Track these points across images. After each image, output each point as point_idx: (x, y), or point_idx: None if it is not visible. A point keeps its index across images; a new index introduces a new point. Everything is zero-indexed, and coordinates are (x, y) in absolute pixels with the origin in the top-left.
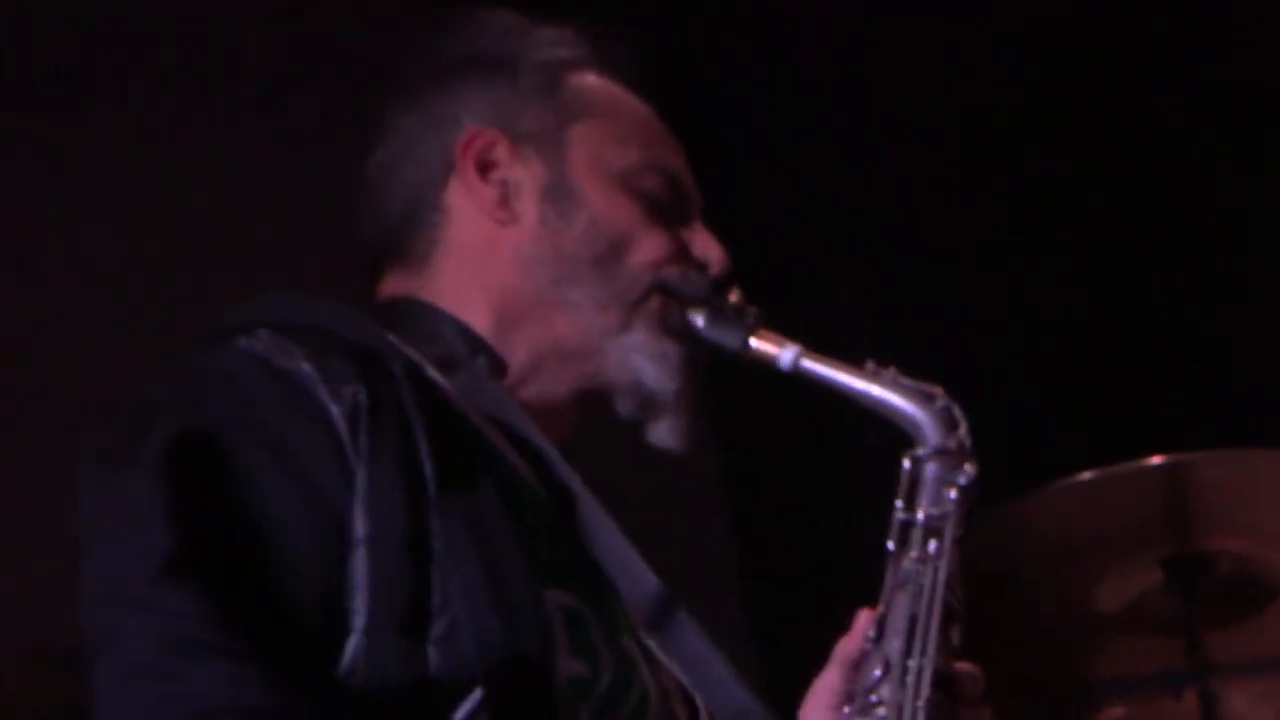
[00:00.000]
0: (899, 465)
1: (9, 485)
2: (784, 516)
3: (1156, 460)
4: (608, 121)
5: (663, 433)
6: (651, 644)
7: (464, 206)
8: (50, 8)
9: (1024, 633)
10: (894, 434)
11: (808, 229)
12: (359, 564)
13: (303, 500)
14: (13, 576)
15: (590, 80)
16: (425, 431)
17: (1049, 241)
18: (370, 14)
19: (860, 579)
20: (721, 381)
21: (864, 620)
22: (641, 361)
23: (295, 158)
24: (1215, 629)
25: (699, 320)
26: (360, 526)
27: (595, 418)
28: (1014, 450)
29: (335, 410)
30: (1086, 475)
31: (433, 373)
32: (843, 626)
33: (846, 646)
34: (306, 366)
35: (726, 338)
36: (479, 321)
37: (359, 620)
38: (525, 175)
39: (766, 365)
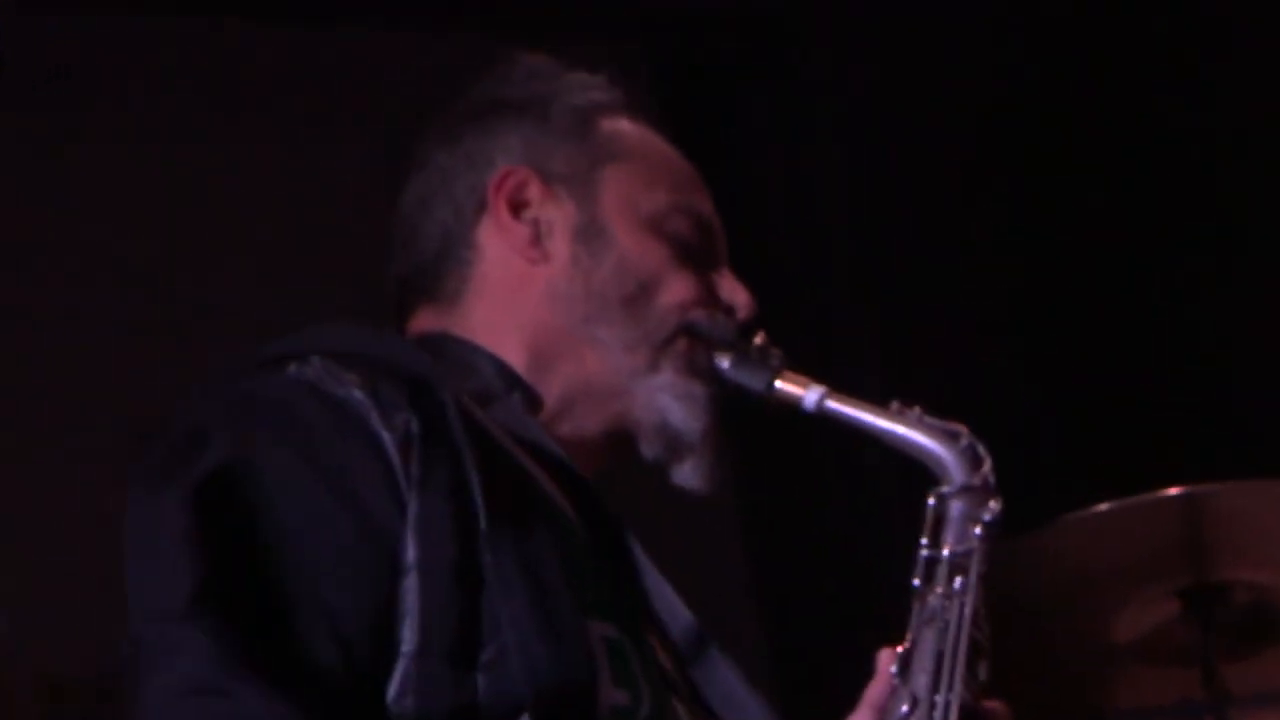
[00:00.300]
0: (919, 501)
1: (25, 522)
2: (803, 554)
3: (1173, 491)
4: (638, 165)
5: (688, 474)
6: (689, 678)
7: (496, 244)
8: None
9: (1042, 663)
10: (914, 471)
11: (816, 251)
12: (409, 590)
13: (354, 526)
14: (29, 609)
15: (622, 125)
16: (475, 462)
17: (1070, 273)
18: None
19: (880, 616)
20: (741, 419)
21: (886, 660)
22: (668, 401)
23: (295, 159)
24: (1232, 660)
25: (725, 363)
26: (411, 553)
27: (621, 462)
28: (1031, 482)
29: (387, 437)
30: (1103, 506)
31: (474, 407)
32: (862, 662)
33: (875, 690)
34: (358, 394)
35: (752, 380)
36: (512, 357)
37: (408, 646)
38: (557, 214)
39: (791, 406)
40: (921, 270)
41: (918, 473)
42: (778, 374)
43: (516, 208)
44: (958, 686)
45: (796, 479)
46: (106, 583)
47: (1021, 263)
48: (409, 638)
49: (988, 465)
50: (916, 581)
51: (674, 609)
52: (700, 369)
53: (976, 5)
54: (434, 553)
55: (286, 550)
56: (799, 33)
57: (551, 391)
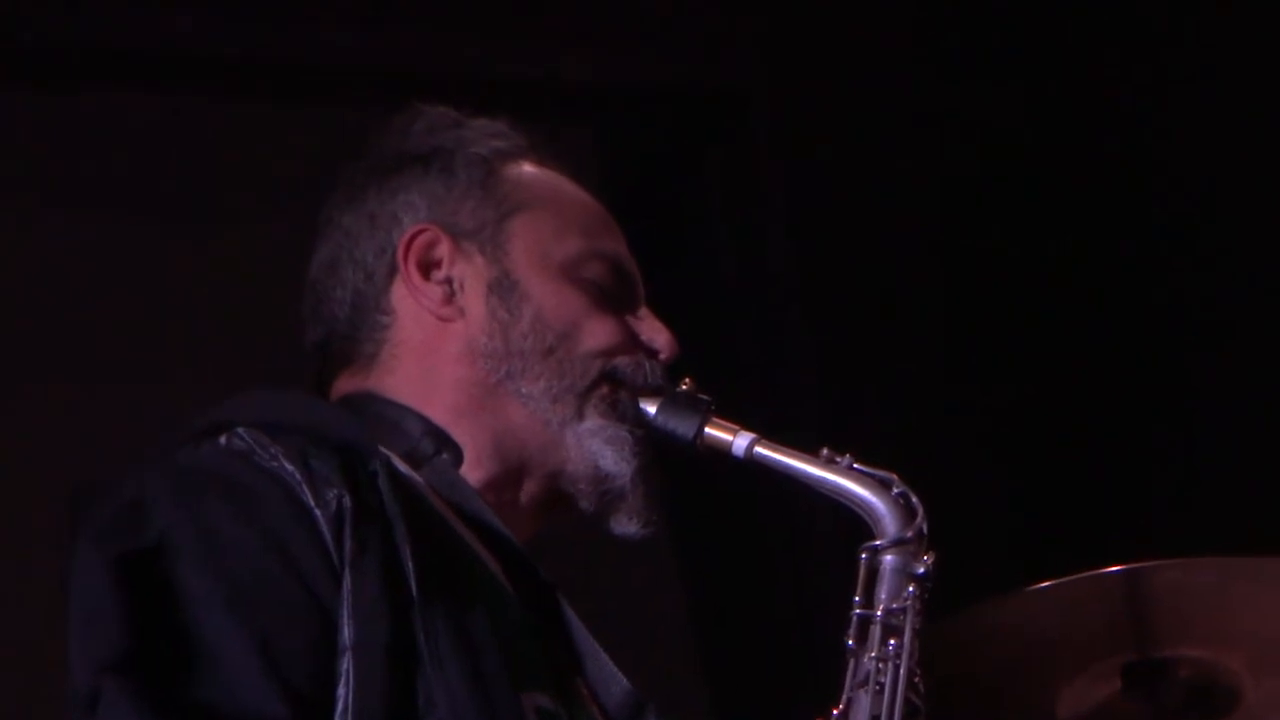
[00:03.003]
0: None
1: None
2: (744, 611)
3: (1115, 568)
4: (546, 211)
5: (623, 520)
6: None
7: (410, 305)
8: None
9: None
10: (854, 522)
11: (766, 327)
12: (346, 669)
13: (300, 596)
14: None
15: (527, 170)
16: (407, 533)
17: (1011, 351)
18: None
19: (821, 672)
20: (678, 472)
21: None
22: (599, 446)
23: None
24: None
25: (651, 409)
26: (348, 633)
27: (555, 523)
28: (973, 559)
29: (319, 514)
30: (1045, 583)
31: (405, 469)
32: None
33: None
34: (289, 466)
35: (680, 426)
36: (437, 414)
37: None
38: (468, 271)
39: (720, 453)
40: (868, 325)
41: (857, 524)
42: (706, 420)
43: (427, 268)
44: None
45: (738, 531)
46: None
47: (967, 318)
48: (345, 716)
49: (921, 516)
50: (850, 641)
51: (609, 675)
52: (626, 414)
53: (926, 63)
54: (368, 632)
55: (234, 613)
56: (747, 107)
57: (481, 448)
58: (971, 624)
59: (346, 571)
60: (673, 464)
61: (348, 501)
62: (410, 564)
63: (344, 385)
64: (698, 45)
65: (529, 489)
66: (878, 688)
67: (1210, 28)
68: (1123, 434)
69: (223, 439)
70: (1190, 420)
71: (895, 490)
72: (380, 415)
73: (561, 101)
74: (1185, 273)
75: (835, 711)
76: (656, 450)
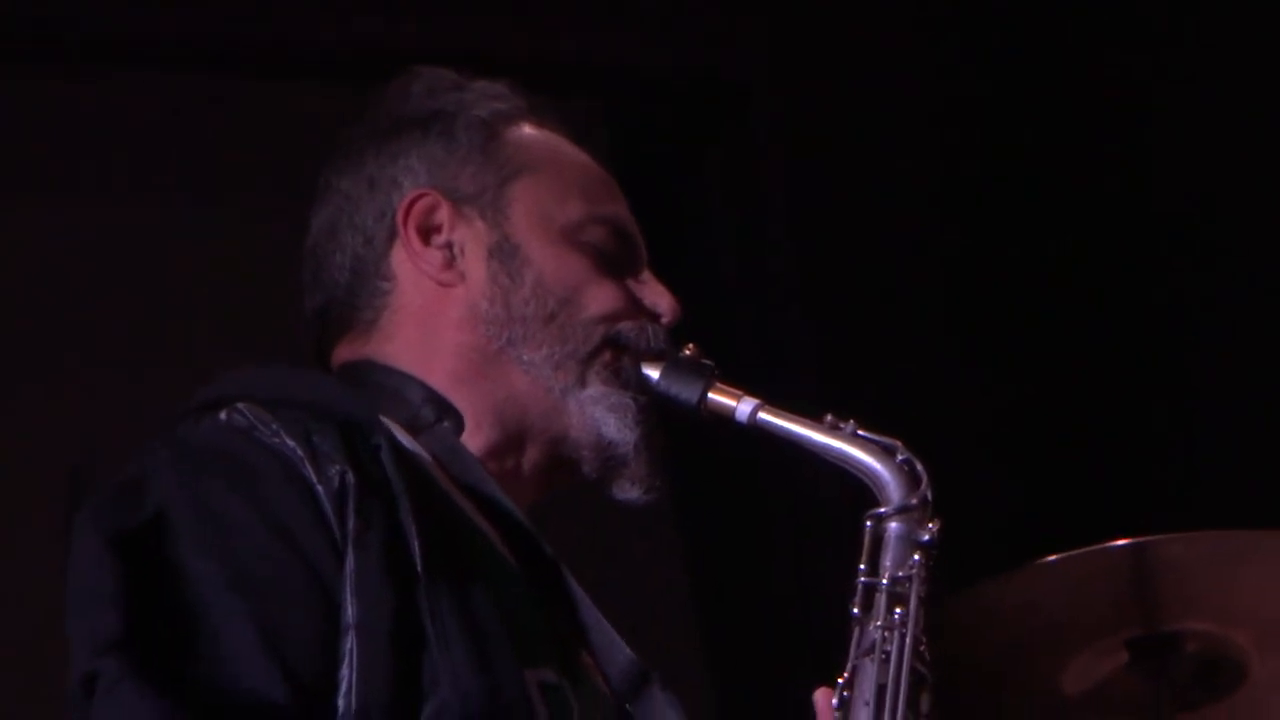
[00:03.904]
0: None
1: None
2: (745, 581)
3: (1122, 542)
4: (548, 175)
5: (626, 486)
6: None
7: (410, 271)
8: None
9: (992, 716)
10: (859, 490)
11: (765, 324)
12: (349, 649)
13: (302, 575)
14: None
15: (527, 132)
16: (411, 508)
17: (1016, 325)
18: None
19: (822, 643)
20: (681, 439)
21: (824, 699)
22: (601, 414)
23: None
24: (1183, 710)
25: (654, 374)
26: (350, 612)
27: (558, 488)
28: (980, 535)
29: (321, 490)
30: (1052, 558)
31: (406, 440)
32: (808, 690)
33: None
34: (290, 442)
35: (683, 391)
36: (438, 381)
37: (348, 703)
38: (469, 236)
39: (724, 418)
40: (868, 324)
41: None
42: (710, 385)
43: (427, 233)
44: None
45: (740, 500)
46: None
47: (967, 317)
48: (349, 695)
49: (925, 483)
50: (855, 609)
51: (612, 645)
52: (629, 380)
53: (928, 61)
54: (372, 612)
55: (235, 594)
56: (753, 90)
57: (482, 415)
58: (978, 600)
59: (349, 550)
60: (676, 431)
61: (350, 477)
62: (415, 540)
63: (344, 352)
64: (699, 40)
65: (530, 456)
66: (883, 656)
67: (1210, 28)
68: (1129, 409)
69: (223, 414)
70: (1196, 394)
71: (900, 457)
72: (380, 383)
73: (562, 92)
74: (1188, 256)
75: (841, 680)
76: (661, 416)
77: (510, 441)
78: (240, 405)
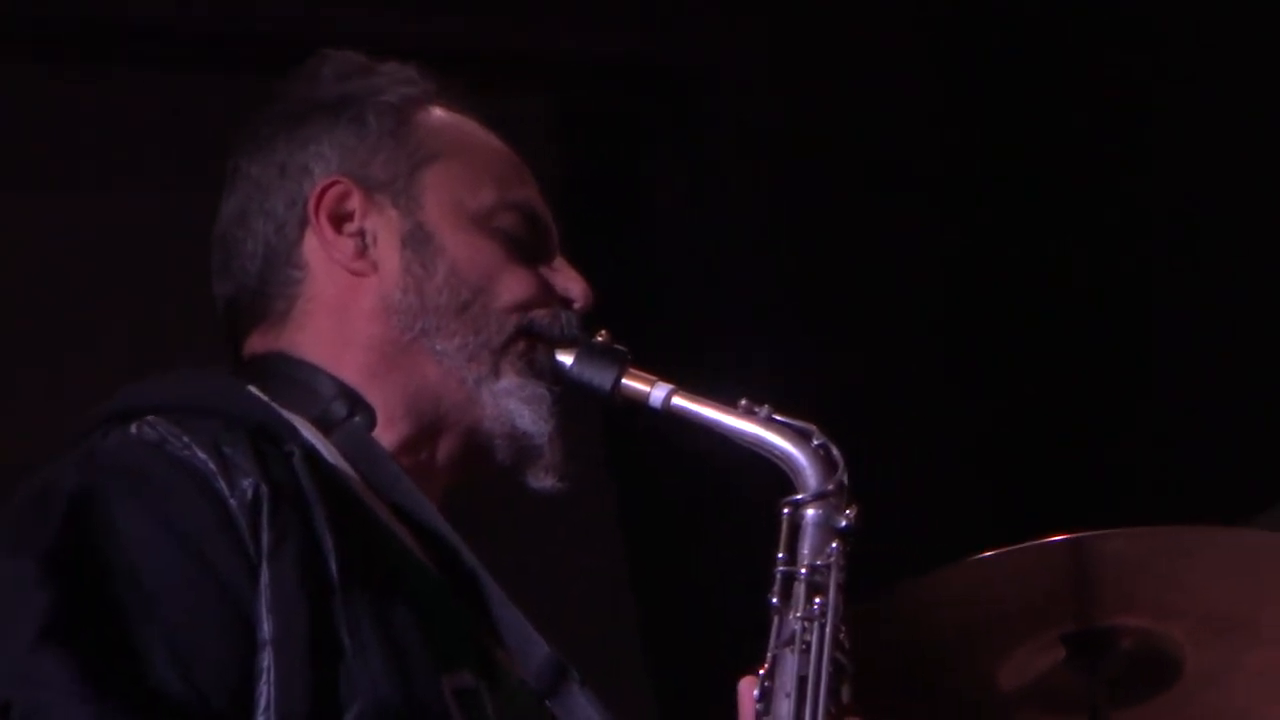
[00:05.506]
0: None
1: None
2: (676, 570)
3: (1058, 538)
4: (459, 160)
5: (540, 475)
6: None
7: (322, 259)
8: None
9: (928, 711)
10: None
11: (719, 296)
12: (266, 665)
13: (213, 592)
14: None
15: (438, 116)
16: (325, 517)
17: (953, 322)
18: None
19: (748, 632)
20: (623, 425)
21: (745, 689)
22: (515, 405)
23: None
24: (1119, 706)
25: (567, 361)
26: (267, 628)
27: (472, 475)
28: (917, 528)
29: (234, 504)
30: (988, 553)
31: (319, 442)
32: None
33: None
34: (202, 455)
35: (596, 377)
36: (350, 374)
37: (268, 719)
38: (381, 224)
39: (638, 404)
40: (817, 325)
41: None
42: (623, 371)
43: (339, 220)
44: (821, 714)
45: (671, 488)
46: None
47: (914, 318)
48: (266, 709)
49: (842, 468)
50: (774, 599)
51: (529, 642)
52: (543, 370)
53: (883, 52)
54: (288, 627)
55: (146, 615)
56: (701, 81)
57: (394, 408)
58: (915, 594)
59: (264, 564)
60: (619, 418)
61: (263, 489)
62: (330, 550)
63: (255, 343)
64: (648, 29)
65: (445, 447)
66: (804, 647)
67: (1210, 28)
68: (1066, 405)
69: (133, 428)
70: (1134, 391)
71: (815, 442)
72: (291, 377)
73: (515, 76)
74: (1133, 258)
75: (762, 671)
76: (579, 402)
77: (424, 434)
78: (150, 418)
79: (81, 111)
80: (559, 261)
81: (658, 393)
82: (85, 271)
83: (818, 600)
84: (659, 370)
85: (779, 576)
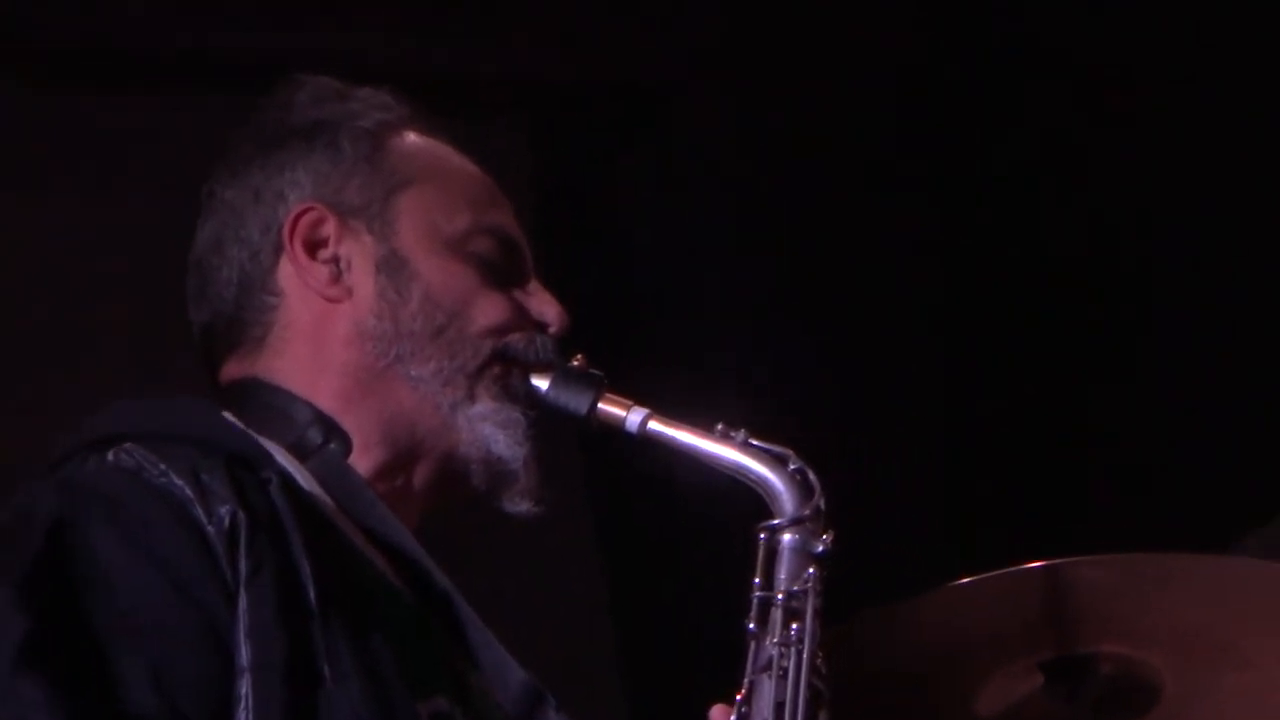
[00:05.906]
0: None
1: None
2: (655, 595)
3: (1035, 565)
4: (434, 185)
5: (515, 500)
6: None
7: (297, 286)
8: None
9: None
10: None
11: (691, 309)
12: (244, 692)
13: (192, 620)
14: None
15: (411, 141)
16: (302, 544)
17: (935, 352)
18: None
19: (726, 658)
20: (602, 452)
21: (719, 717)
22: (490, 430)
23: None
24: None
25: (543, 385)
26: (244, 655)
27: (448, 500)
28: (893, 554)
29: (212, 532)
30: (965, 579)
31: (295, 469)
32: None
33: None
34: (179, 482)
35: (572, 402)
36: (325, 401)
37: None
38: (356, 250)
39: (614, 429)
40: (792, 341)
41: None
42: (599, 395)
43: (313, 247)
44: None
45: (652, 513)
46: None
47: (894, 335)
48: None
49: (819, 493)
50: (750, 624)
51: (505, 667)
52: (518, 394)
53: (851, 66)
54: (266, 654)
55: (124, 643)
56: (674, 97)
57: (370, 435)
58: (891, 621)
59: (241, 591)
60: (596, 443)
61: (241, 517)
62: (308, 577)
63: (232, 369)
64: (616, 52)
65: (420, 473)
66: (780, 673)
67: (1209, 27)
68: (1044, 433)
69: (110, 455)
70: (1110, 419)
71: (792, 466)
72: (268, 403)
73: (489, 99)
74: (1129, 288)
75: (739, 697)
76: (555, 427)
77: (399, 460)
78: (128, 445)
79: (81, 112)
80: (534, 285)
81: (634, 417)
82: (85, 272)
83: (794, 626)
84: (635, 385)
85: (756, 602)
